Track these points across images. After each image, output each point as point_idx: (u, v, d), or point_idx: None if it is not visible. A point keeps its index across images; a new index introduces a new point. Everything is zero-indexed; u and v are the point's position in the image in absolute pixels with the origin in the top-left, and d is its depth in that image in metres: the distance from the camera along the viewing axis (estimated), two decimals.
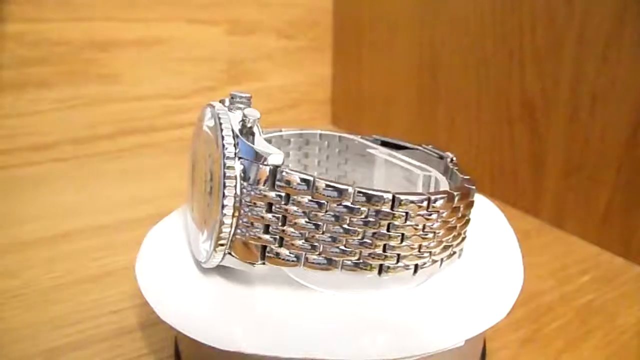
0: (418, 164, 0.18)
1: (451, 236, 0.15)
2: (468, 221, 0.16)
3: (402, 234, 0.14)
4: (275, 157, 0.13)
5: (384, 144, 0.20)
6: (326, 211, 0.13)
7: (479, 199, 0.20)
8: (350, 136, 0.21)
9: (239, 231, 0.14)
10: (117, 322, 0.20)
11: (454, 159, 0.17)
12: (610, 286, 0.23)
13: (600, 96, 0.25)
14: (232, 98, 0.15)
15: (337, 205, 0.13)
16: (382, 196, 0.13)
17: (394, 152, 0.19)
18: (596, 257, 0.26)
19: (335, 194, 0.13)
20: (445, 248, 0.15)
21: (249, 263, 0.14)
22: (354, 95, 0.44)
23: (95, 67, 0.37)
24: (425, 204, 0.13)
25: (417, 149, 0.19)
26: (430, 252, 0.14)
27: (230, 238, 0.14)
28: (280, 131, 0.21)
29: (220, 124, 0.14)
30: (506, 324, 0.20)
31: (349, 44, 0.44)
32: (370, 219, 0.13)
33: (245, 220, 0.13)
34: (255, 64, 0.43)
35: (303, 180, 0.13)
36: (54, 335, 0.19)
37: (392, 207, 0.13)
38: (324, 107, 0.47)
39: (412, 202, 0.13)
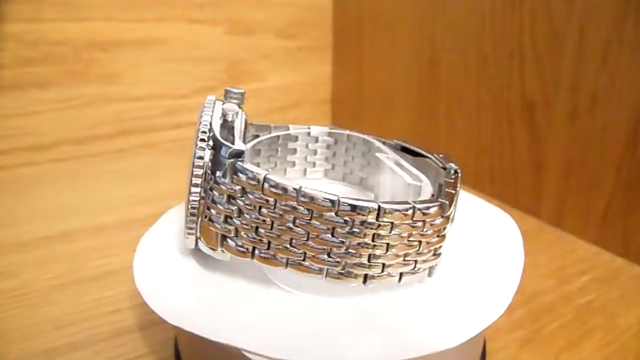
0: (416, 173, 0.17)
1: (414, 251, 0.14)
2: (442, 237, 0.15)
3: (349, 241, 0.13)
4: (235, 151, 0.14)
5: (403, 149, 0.19)
6: (274, 208, 0.13)
7: (495, 212, 0.19)
8: (372, 139, 0.20)
9: (206, 218, 0.14)
10: (117, 322, 0.20)
11: (458, 171, 0.16)
12: (610, 286, 0.23)
13: (600, 96, 0.26)
14: (226, 93, 0.16)
15: (283, 203, 0.13)
16: (327, 199, 0.13)
17: (400, 159, 0.18)
18: (596, 257, 0.26)
19: (280, 192, 0.13)
20: (406, 263, 0.14)
21: (211, 248, 0.15)
22: (354, 95, 0.44)
23: (95, 67, 0.37)
24: (374, 213, 0.13)
25: (428, 158, 0.18)
26: (383, 265, 0.14)
27: (199, 223, 0.15)
28: (309, 128, 0.21)
29: (201, 115, 0.15)
30: (506, 324, 0.20)
31: (349, 44, 0.44)
32: (315, 221, 0.13)
33: (210, 208, 0.14)
34: (255, 64, 0.43)
35: (254, 176, 0.13)
36: (54, 335, 0.19)
37: (336, 213, 0.13)
38: (324, 107, 0.47)
39: (357, 209, 0.13)
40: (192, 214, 0.14)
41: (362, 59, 0.42)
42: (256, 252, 0.14)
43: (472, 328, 0.14)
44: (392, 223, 0.13)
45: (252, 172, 0.14)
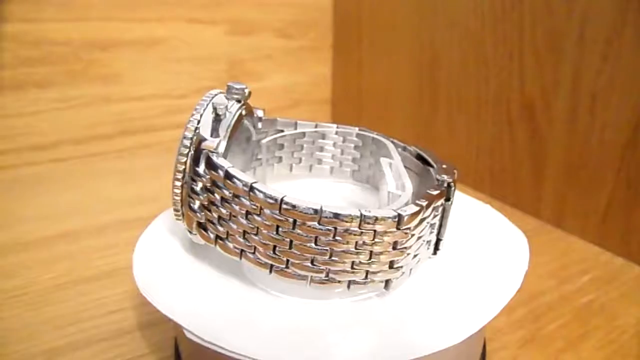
0: (405, 182, 0.17)
1: (363, 260, 0.14)
2: (401, 251, 0.14)
3: (291, 241, 0.14)
4: (209, 143, 0.15)
5: (418, 156, 0.19)
6: (234, 201, 0.14)
7: (505, 224, 0.19)
8: (390, 144, 0.20)
9: (187, 205, 0.15)
10: (117, 322, 0.20)
11: (451, 184, 0.16)
12: (610, 286, 0.23)
13: (600, 96, 0.26)
14: (228, 89, 0.17)
15: (243, 198, 0.14)
16: (273, 196, 0.13)
17: (401, 167, 0.18)
18: (596, 257, 0.26)
19: (237, 186, 0.14)
20: (355, 271, 0.14)
21: (189, 231, 0.16)
22: (354, 95, 0.44)
23: (95, 67, 0.37)
24: (316, 216, 0.13)
25: (433, 168, 0.18)
26: (328, 270, 0.14)
27: (181, 207, 0.16)
28: (337, 127, 0.21)
29: (196, 109, 0.16)
30: (506, 324, 0.20)
31: (349, 44, 0.44)
32: (262, 217, 0.14)
33: (190, 196, 0.15)
34: (255, 64, 0.43)
35: (221, 169, 0.14)
36: (54, 335, 0.19)
37: (280, 211, 0.13)
38: (324, 107, 0.47)
39: (299, 209, 0.13)
40: (176, 200, 0.16)
41: (362, 59, 0.42)
42: (219, 240, 0.15)
43: (464, 331, 0.14)
44: (335, 228, 0.13)
45: (219, 165, 0.14)
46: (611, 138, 0.25)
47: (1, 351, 0.18)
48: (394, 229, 0.14)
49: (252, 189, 0.14)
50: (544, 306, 0.21)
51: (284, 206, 0.13)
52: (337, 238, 0.13)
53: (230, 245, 0.15)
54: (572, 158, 0.27)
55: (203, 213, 0.15)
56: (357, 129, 0.21)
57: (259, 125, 0.20)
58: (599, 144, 0.26)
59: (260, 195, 0.13)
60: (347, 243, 0.13)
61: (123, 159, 0.39)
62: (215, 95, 0.17)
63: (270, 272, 0.14)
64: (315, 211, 0.13)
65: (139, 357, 0.18)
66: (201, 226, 0.15)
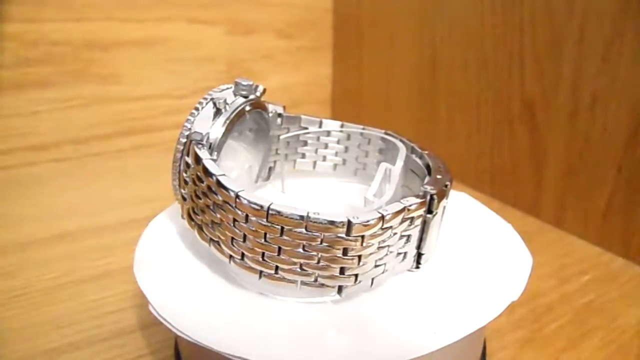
0: (387, 190, 0.17)
1: (312, 263, 0.14)
2: (354, 259, 0.14)
3: (245, 234, 0.14)
4: (195, 135, 0.15)
5: (427, 166, 0.18)
6: (207, 193, 0.14)
7: (512, 237, 0.19)
8: (401, 150, 0.19)
9: (182, 192, 0.16)
10: (117, 322, 0.20)
11: (434, 196, 0.15)
12: (610, 286, 0.23)
13: (600, 96, 0.26)
14: (236, 85, 0.17)
15: (212, 191, 0.14)
16: (230, 189, 0.14)
17: (397, 173, 0.17)
18: (596, 257, 0.26)
19: (208, 177, 0.14)
20: (304, 273, 0.14)
21: (182, 217, 0.16)
22: (354, 95, 0.44)
23: (95, 67, 0.37)
24: (264, 212, 0.13)
25: (429, 177, 0.17)
26: (276, 267, 0.14)
27: (179, 195, 0.16)
28: (363, 129, 0.21)
29: (199, 102, 0.16)
30: (506, 324, 0.20)
31: (349, 44, 0.44)
32: (225, 211, 0.14)
33: (183, 187, 0.16)
34: (255, 64, 0.43)
35: (199, 161, 0.15)
36: (54, 335, 0.19)
37: (235, 205, 0.14)
38: (324, 107, 0.47)
39: (250, 204, 0.13)
40: (175, 186, 0.16)
41: (362, 59, 0.42)
42: (197, 228, 0.16)
43: (461, 331, 0.14)
44: (282, 227, 0.13)
45: (199, 157, 0.15)
46: (611, 138, 0.25)
47: (1, 351, 0.18)
48: (343, 235, 0.13)
49: (218, 182, 0.14)
50: (544, 306, 0.21)
51: (237, 200, 0.13)
52: (283, 237, 0.13)
53: (205, 234, 0.15)
54: (572, 158, 0.27)
55: (188, 201, 0.16)
56: (383, 132, 0.20)
57: (279, 121, 0.20)
58: (599, 144, 0.26)
59: (222, 189, 0.14)
60: (295, 243, 0.13)
61: (123, 159, 0.38)
62: (223, 90, 0.17)
63: (230, 262, 0.15)
64: (263, 208, 0.13)
65: (139, 357, 0.18)
66: (189, 213, 0.16)
